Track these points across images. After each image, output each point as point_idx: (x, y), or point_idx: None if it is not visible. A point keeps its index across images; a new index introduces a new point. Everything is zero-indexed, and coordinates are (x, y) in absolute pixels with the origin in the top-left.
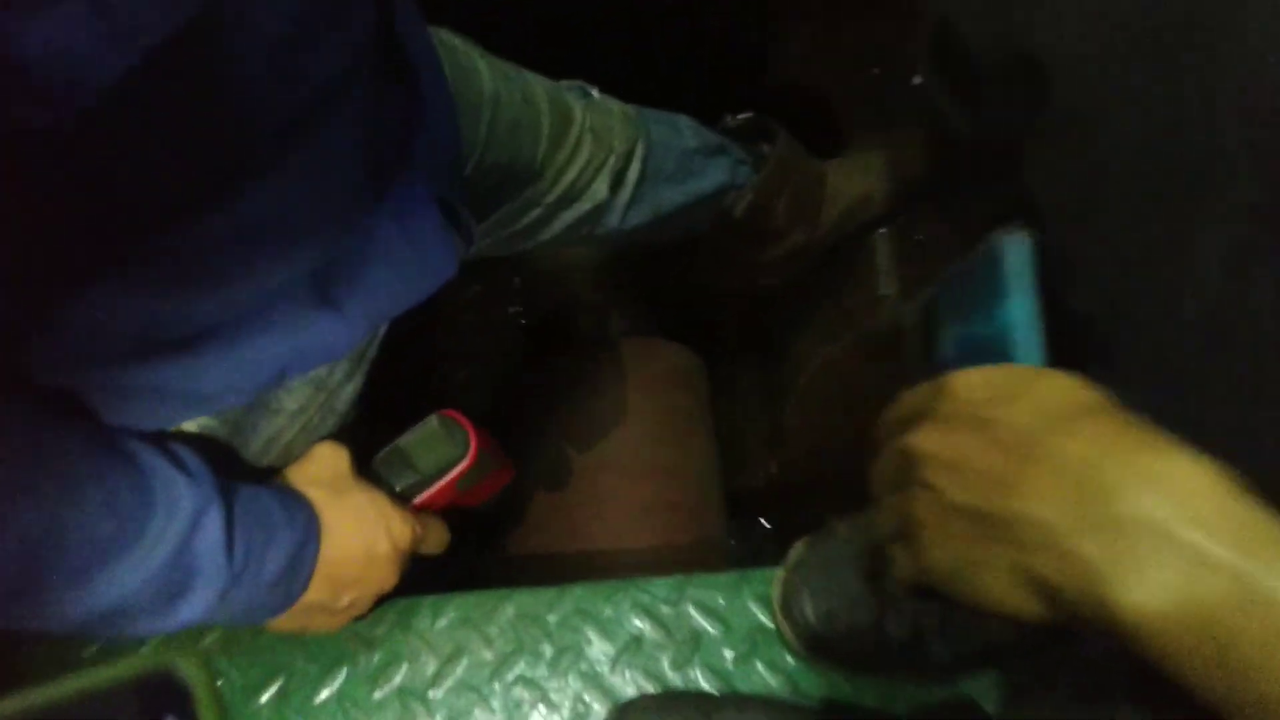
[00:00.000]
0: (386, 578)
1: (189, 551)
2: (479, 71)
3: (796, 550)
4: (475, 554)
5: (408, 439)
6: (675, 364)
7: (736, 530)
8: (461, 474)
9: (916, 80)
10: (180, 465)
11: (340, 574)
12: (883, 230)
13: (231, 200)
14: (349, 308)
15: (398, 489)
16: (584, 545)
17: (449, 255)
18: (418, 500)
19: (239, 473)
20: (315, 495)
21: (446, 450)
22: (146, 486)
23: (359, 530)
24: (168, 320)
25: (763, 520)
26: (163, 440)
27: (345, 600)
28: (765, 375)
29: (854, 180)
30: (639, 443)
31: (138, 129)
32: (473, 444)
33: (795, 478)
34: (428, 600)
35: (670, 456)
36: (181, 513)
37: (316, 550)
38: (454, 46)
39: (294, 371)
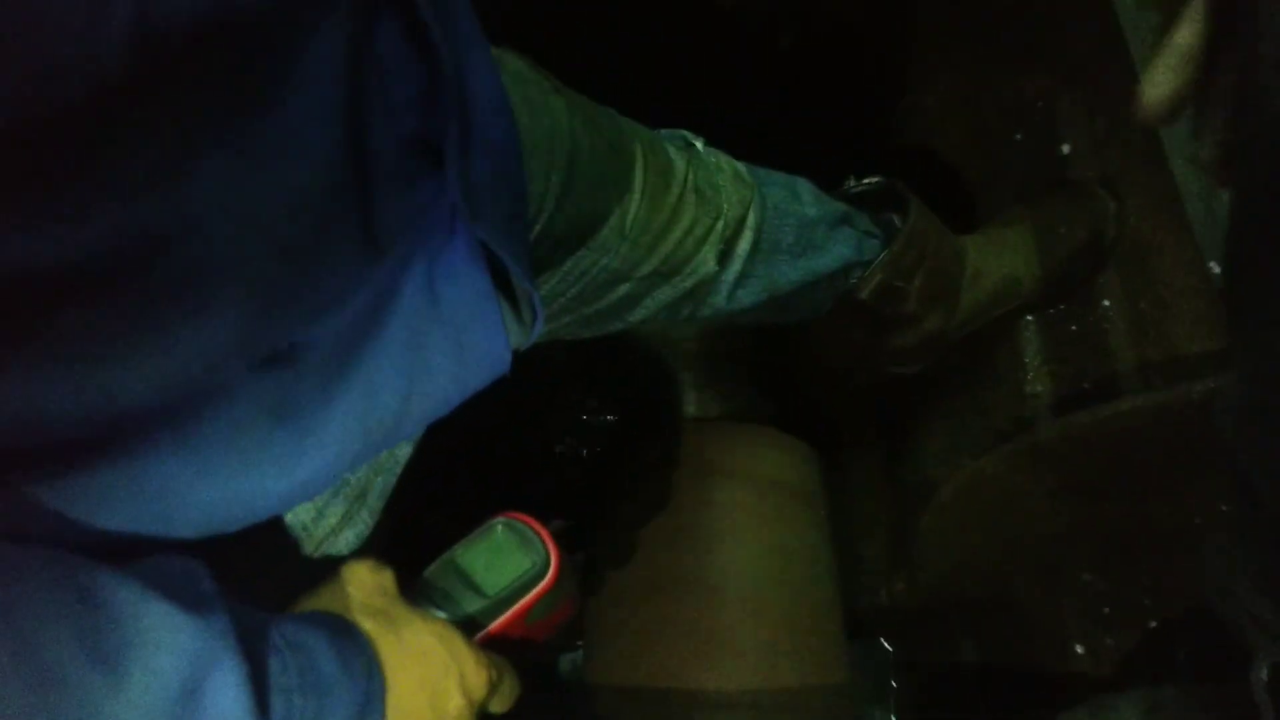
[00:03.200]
0: None
1: None
2: (552, 108)
3: None
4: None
5: (466, 550)
6: (787, 457)
7: (853, 653)
8: (539, 597)
9: (1065, 149)
10: (176, 592)
11: None
12: (1030, 318)
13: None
14: (322, 419)
15: (457, 617)
16: (683, 684)
17: (497, 341)
18: (483, 634)
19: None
20: (367, 629)
21: (517, 565)
22: (115, 633)
23: (425, 681)
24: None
25: (884, 642)
26: (153, 554)
27: None
28: (889, 474)
29: (999, 260)
30: (743, 557)
31: None
32: (553, 557)
33: (926, 598)
34: None
35: (781, 575)
36: (173, 670)
37: (381, 716)
38: (520, 73)
39: (227, 520)
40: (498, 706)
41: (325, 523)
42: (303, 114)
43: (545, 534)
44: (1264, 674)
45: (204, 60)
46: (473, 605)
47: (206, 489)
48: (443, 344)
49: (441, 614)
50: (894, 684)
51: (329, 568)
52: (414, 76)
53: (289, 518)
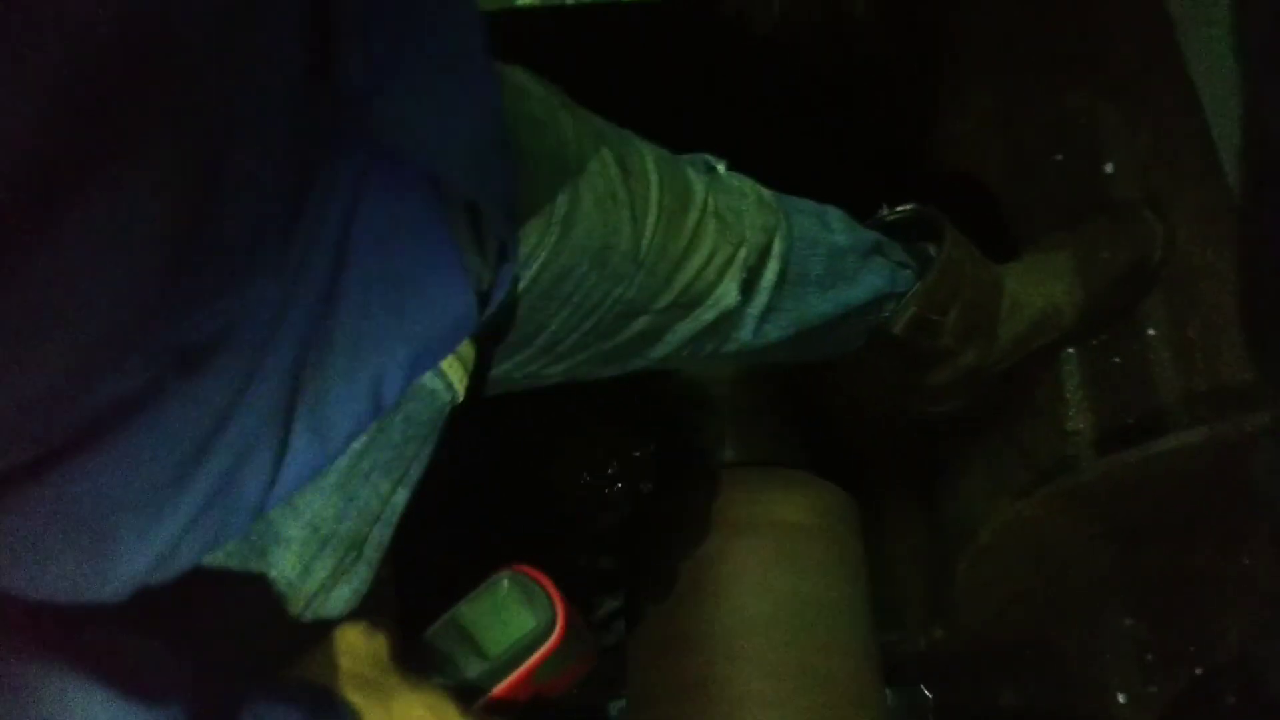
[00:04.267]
0: None
1: None
2: (558, 124)
3: None
4: None
5: (470, 607)
6: (820, 504)
7: (892, 701)
8: (545, 657)
9: (1108, 169)
10: (119, 677)
11: None
12: (1071, 350)
13: None
14: (248, 409)
15: (458, 682)
16: None
17: (443, 270)
18: (488, 698)
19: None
20: (354, 702)
21: (522, 624)
22: None
23: None
24: None
25: (924, 689)
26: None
27: None
28: (926, 516)
29: (1039, 288)
30: (767, 610)
31: None
32: (560, 613)
33: (966, 644)
34: None
35: (810, 625)
36: None
37: None
38: (526, 90)
39: (187, 553)
40: None
41: (313, 578)
42: None
43: (552, 589)
44: None
45: None
46: (475, 668)
47: (144, 525)
48: (370, 280)
49: (442, 679)
50: None
51: (320, 629)
52: None
53: (271, 573)
